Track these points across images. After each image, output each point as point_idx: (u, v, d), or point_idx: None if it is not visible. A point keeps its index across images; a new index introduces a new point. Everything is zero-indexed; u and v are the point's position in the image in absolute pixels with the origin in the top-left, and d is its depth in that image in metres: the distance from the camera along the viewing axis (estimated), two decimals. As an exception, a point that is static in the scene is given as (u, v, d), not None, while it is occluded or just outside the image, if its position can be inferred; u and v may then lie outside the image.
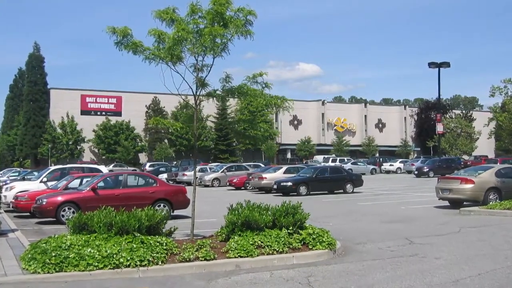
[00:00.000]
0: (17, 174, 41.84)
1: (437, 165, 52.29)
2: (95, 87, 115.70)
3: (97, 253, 10.11)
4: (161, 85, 11.85)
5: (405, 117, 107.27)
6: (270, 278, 9.83)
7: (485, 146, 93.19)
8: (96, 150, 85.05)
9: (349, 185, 32.47)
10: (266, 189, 34.76)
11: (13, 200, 21.48)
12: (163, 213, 11.82)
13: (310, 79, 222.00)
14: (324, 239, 11.77)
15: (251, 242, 11.14)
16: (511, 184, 21.37)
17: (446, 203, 22.56)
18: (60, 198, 18.82)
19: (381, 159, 74.24)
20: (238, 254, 10.87)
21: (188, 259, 10.51)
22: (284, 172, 36.40)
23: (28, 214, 20.50)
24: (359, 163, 65.05)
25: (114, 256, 10.10)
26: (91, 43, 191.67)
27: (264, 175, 35.98)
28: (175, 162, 71.36)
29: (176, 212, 19.86)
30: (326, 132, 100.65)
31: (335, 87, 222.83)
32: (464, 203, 21.62)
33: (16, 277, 9.66)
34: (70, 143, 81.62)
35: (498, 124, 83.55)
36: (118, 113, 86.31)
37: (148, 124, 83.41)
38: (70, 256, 9.99)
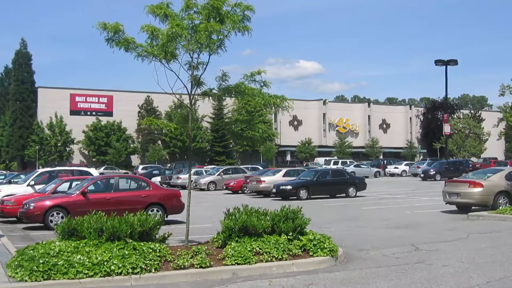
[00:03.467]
0: (3, 177, 41.68)
1: (444, 168, 52.34)
2: (85, 85, 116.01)
3: (87, 260, 10.10)
4: (154, 84, 11.89)
5: (410, 118, 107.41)
6: (269, 286, 9.84)
7: (494, 147, 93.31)
8: (86, 152, 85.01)
9: (351, 188, 32.47)
10: (265, 193, 34.78)
11: (-1, 205, 21.45)
12: (156, 218, 11.81)
13: (310, 77, 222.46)
14: (325, 246, 11.77)
15: (248, 249, 11.14)
16: (522, 188, 21.39)
17: (454, 207, 22.58)
18: (48, 203, 18.80)
19: (385, 161, 74.20)
20: (235, 261, 10.87)
21: (182, 267, 10.51)
22: (284, 175, 36.42)
23: (14, 219, 20.47)
24: (362, 166, 65.05)
25: (105, 263, 10.09)
26: (81, 39, 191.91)
27: (262, 178, 35.99)
28: (169, 165, 71.47)
29: (170, 217, 19.87)
30: (327, 133, 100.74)
31: (337, 85, 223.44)
32: (473, 207, 21.65)
33: (2, 286, 9.65)
34: (59, 144, 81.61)
35: (508, 125, 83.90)
36: (109, 113, 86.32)
37: (140, 124, 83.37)
38: (58, 263, 9.98)
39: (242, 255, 10.95)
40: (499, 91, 59.20)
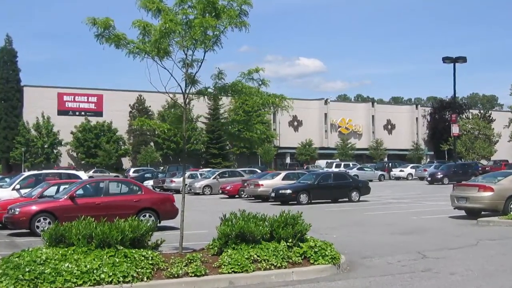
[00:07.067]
0: (-14, 180, 41.72)
1: (452, 171, 52.45)
2: (73, 84, 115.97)
3: (76, 268, 10.10)
4: (146, 82, 11.92)
5: (416, 118, 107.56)
6: (268, 296, 9.85)
7: (505, 149, 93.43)
8: (74, 154, 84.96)
9: (354, 193, 32.49)
10: (263, 198, 34.79)
11: (-18, 210, 21.41)
12: (148, 224, 11.82)
13: (311, 75, 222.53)
14: (327, 253, 11.78)
15: (246, 256, 11.14)
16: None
17: (462, 212, 22.59)
18: (34, 208, 18.80)
19: (390, 164, 74.33)
20: (232, 270, 10.87)
21: (176, 275, 10.50)
22: (283, 179, 36.40)
23: (-1, 225, 20.46)
24: (365, 169, 65.14)
25: (95, 271, 10.09)
26: (69, 36, 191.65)
27: (260, 182, 35.99)
28: (162, 168, 71.42)
29: (163, 223, 19.86)
30: (329, 134, 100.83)
31: (339, 84, 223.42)
32: (482, 212, 21.67)
33: (-15, 295, 9.65)
34: (46, 146, 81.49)
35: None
36: (99, 113, 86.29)
37: (132, 125, 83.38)
38: (45, 271, 9.97)
39: (239, 263, 10.95)
40: (510, 90, 59.40)
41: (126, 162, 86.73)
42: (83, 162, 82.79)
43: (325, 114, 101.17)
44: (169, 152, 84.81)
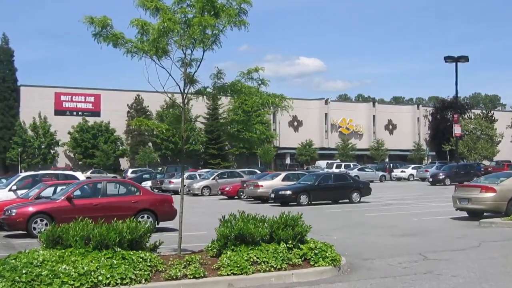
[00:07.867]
0: (-18, 181, 41.66)
1: (454, 172, 52.45)
2: (70, 84, 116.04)
3: (73, 270, 10.09)
4: (144, 82, 11.97)
5: (418, 118, 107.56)
6: (267, 298, 9.85)
7: (508, 150, 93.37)
8: (71, 155, 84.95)
9: (355, 194, 32.51)
10: (263, 199, 34.76)
11: (-22, 211, 21.40)
12: (147, 225, 11.81)
13: (311, 75, 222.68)
14: (327, 255, 11.78)
15: (245, 258, 11.14)
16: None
17: (465, 214, 22.60)
18: (31, 209, 18.81)
19: (391, 164, 74.34)
20: (231, 271, 10.86)
21: (175, 277, 10.50)
22: (283, 180, 36.41)
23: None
24: (366, 169, 65.12)
25: (92, 273, 10.09)
26: (66, 35, 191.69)
27: (260, 183, 35.99)
28: (160, 168, 71.34)
29: (162, 224, 19.88)
30: (329, 134, 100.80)
31: (340, 84, 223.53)
32: (485, 214, 21.67)
33: (-19, 298, 9.64)
34: (43, 146, 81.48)
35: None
36: (97, 113, 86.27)
37: (130, 125, 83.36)
38: (42, 273, 9.96)
39: (238, 265, 10.95)
40: (513, 90, 59.57)
41: (124, 162, 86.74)
42: (80, 162, 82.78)
43: (326, 114, 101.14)
44: (167, 153, 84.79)
